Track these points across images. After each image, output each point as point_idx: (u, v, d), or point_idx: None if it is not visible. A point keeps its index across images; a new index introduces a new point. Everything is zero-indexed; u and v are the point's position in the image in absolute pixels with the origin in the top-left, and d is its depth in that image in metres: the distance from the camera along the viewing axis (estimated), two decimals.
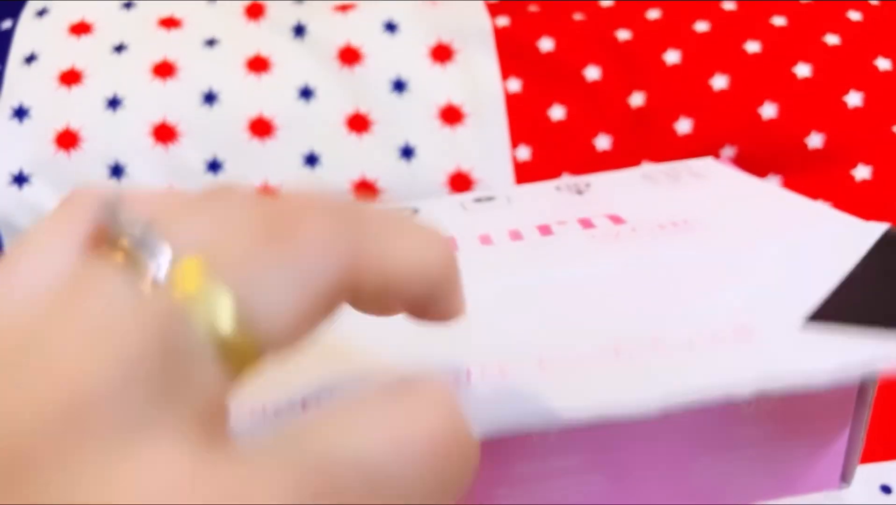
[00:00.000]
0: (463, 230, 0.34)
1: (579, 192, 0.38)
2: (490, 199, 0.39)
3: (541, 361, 0.22)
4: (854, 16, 0.48)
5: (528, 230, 0.33)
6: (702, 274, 0.25)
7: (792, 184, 0.46)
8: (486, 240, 0.32)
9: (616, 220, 0.32)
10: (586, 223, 0.32)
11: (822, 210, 0.31)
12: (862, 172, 0.45)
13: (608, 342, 0.22)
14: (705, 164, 0.40)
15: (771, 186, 0.35)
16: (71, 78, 0.46)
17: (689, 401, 0.20)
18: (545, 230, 0.32)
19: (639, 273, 0.26)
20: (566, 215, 0.34)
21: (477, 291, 0.24)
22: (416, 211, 0.39)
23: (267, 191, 0.45)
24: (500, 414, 0.20)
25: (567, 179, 0.40)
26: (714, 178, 0.37)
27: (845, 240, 0.26)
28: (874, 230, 0.27)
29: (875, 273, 0.24)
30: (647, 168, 0.41)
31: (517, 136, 0.47)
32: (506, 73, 0.47)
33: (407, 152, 0.46)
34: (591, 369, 0.21)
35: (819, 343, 0.21)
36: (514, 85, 0.47)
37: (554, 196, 0.38)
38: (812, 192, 0.45)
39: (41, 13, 0.50)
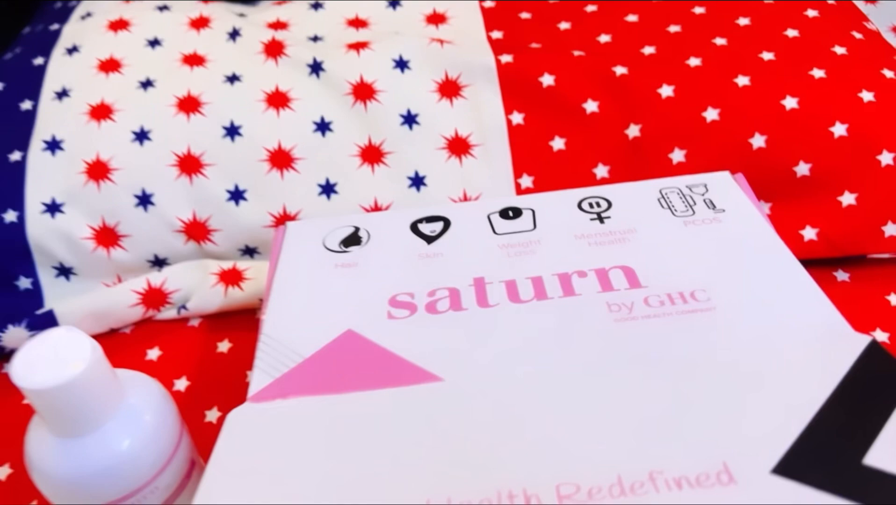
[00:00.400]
0: (491, 268, 0.37)
1: (600, 218, 0.40)
2: (518, 213, 0.41)
3: (557, 487, 0.25)
4: (839, 50, 0.50)
5: (550, 282, 0.36)
6: (695, 401, 0.28)
7: (781, 210, 0.48)
8: (512, 291, 0.35)
9: (631, 278, 0.35)
10: (604, 281, 0.35)
11: (815, 297, 0.33)
12: (848, 199, 0.47)
13: (612, 471, 0.25)
14: (721, 187, 0.41)
15: (779, 251, 0.37)
16: (101, 112, 0.49)
17: None
18: (567, 287, 0.35)
19: (640, 394, 0.29)
20: (585, 263, 0.37)
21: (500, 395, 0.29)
22: (448, 222, 0.41)
23: (283, 218, 0.47)
24: None
25: (588, 193, 0.42)
26: (728, 220, 0.39)
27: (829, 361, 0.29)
28: (858, 342, 0.30)
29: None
30: (665, 184, 0.42)
31: (520, 165, 0.49)
32: (509, 106, 0.50)
33: (417, 181, 0.49)
34: None
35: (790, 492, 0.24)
36: (517, 118, 0.49)
37: (577, 221, 0.40)
38: (800, 218, 0.47)
39: (71, 51, 0.53)
